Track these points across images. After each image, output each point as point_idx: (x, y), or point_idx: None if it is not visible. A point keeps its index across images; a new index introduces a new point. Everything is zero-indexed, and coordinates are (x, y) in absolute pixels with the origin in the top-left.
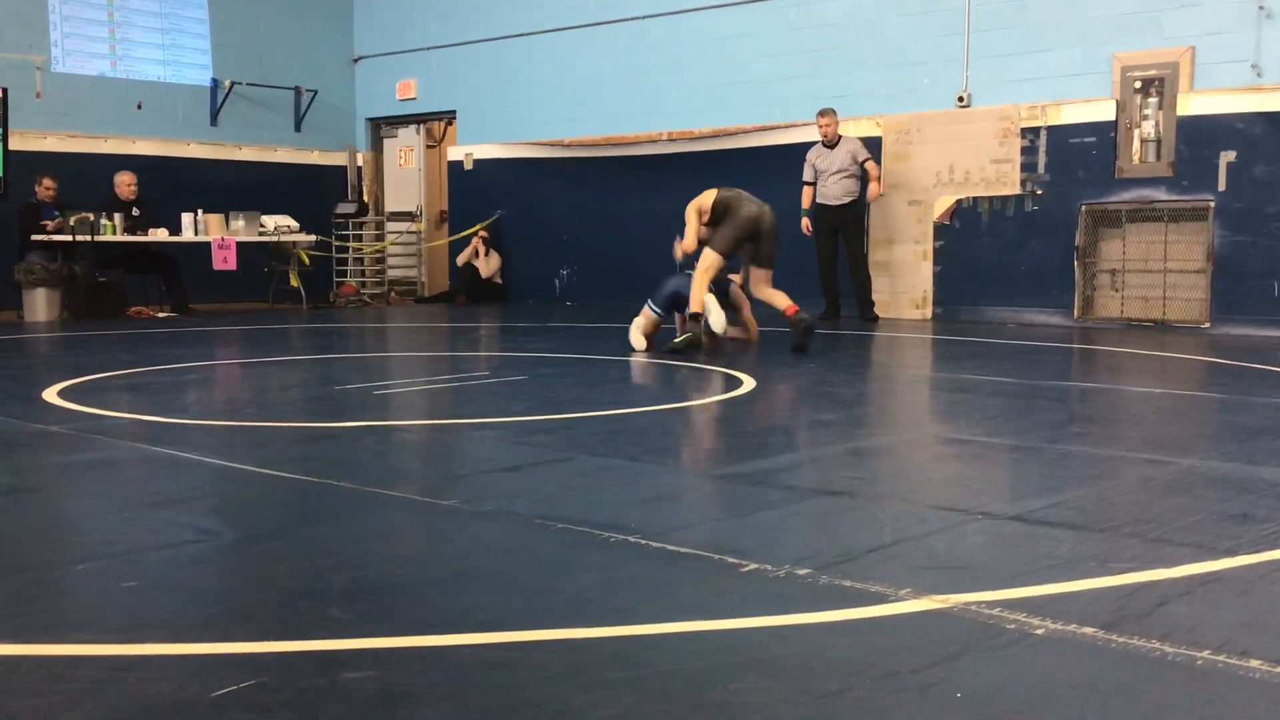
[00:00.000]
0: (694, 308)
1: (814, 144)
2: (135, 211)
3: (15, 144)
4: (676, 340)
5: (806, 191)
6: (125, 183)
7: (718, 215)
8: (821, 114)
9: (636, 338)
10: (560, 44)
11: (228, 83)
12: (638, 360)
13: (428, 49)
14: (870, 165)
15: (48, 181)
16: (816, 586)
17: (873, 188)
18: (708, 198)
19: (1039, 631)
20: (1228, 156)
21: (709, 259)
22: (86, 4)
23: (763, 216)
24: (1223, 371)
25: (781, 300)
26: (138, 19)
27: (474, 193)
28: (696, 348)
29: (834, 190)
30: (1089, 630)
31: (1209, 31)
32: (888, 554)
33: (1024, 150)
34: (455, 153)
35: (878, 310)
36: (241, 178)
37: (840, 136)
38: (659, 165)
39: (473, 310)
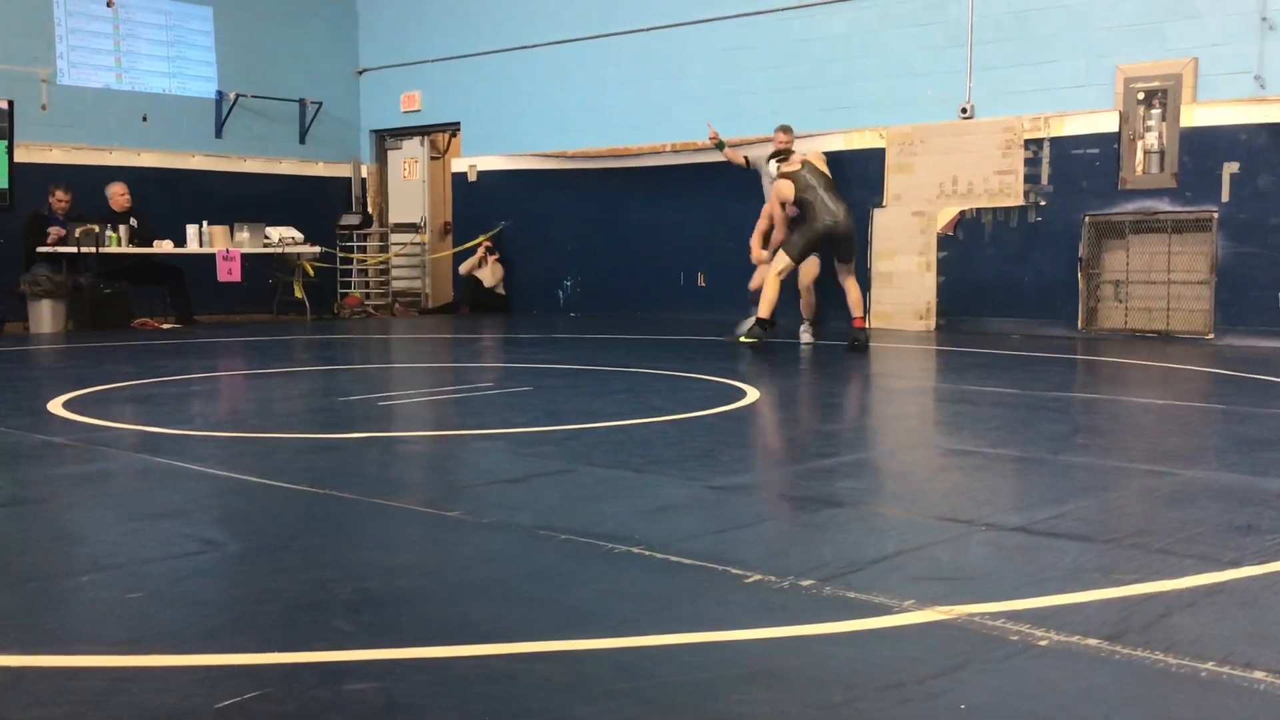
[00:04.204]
0: (762, 312)
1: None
2: (133, 222)
3: (21, 156)
4: (741, 333)
5: None
6: (117, 193)
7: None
8: None
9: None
10: (564, 56)
11: (233, 95)
12: (640, 371)
13: (432, 61)
14: None
15: (60, 193)
16: (820, 598)
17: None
18: (789, 190)
19: (1043, 643)
20: (1231, 168)
21: (781, 262)
22: (92, 16)
23: (837, 227)
24: (1226, 383)
25: (855, 302)
26: (143, 31)
27: (478, 204)
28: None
29: None
30: (1093, 641)
31: (1212, 43)
32: (891, 565)
33: (1027, 161)
34: (459, 164)
35: (878, 322)
36: (246, 189)
37: None
38: (662, 176)
39: (476, 321)
